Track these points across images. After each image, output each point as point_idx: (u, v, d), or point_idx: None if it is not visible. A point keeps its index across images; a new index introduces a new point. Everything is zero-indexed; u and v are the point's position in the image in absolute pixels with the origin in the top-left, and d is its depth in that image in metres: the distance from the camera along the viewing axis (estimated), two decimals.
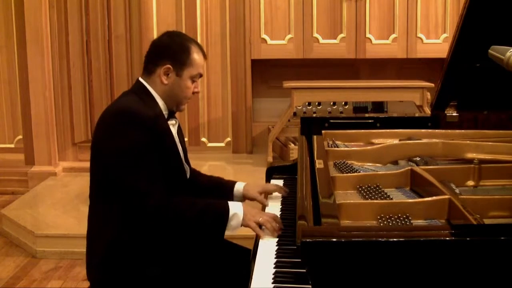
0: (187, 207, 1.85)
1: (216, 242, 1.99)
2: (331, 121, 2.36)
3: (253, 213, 1.86)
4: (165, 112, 1.97)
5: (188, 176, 2.07)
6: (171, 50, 1.94)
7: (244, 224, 1.84)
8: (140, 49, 4.80)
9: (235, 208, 1.85)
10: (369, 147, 2.06)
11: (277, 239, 1.72)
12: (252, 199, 2.14)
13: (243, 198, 2.15)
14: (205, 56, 2.02)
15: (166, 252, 1.89)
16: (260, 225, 1.80)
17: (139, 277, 1.85)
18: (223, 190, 2.16)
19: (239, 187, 2.16)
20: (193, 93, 1.99)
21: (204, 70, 2.05)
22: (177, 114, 2.06)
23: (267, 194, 2.18)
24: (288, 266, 1.51)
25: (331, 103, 5.05)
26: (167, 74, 1.94)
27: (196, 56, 1.96)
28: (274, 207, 2.04)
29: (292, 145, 4.58)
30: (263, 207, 2.11)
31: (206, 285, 1.93)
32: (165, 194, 1.85)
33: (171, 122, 1.99)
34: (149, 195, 1.80)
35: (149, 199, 1.80)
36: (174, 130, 2.01)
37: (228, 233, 1.86)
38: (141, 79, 1.98)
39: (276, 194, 2.18)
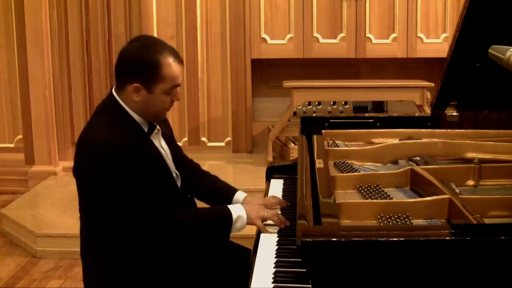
0: (190, 222, 1.84)
1: (220, 245, 1.99)
2: (331, 120, 2.36)
3: (256, 209, 1.86)
4: (144, 126, 1.87)
5: (179, 184, 2.00)
6: (139, 67, 1.78)
7: (249, 223, 1.84)
8: None
9: (237, 211, 1.85)
10: (369, 147, 2.06)
11: (278, 238, 1.73)
12: None
13: None
14: (181, 63, 1.84)
15: (165, 259, 1.88)
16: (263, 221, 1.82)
17: (140, 275, 1.85)
18: (223, 196, 2.09)
19: (239, 197, 2.07)
20: (172, 101, 1.87)
21: (182, 79, 1.89)
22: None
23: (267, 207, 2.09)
24: (288, 266, 1.51)
25: (331, 103, 5.05)
26: (138, 91, 1.80)
27: (168, 69, 1.78)
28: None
29: (292, 144, 4.58)
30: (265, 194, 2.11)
31: (206, 285, 1.93)
32: (164, 214, 1.81)
33: (154, 132, 1.90)
34: (150, 221, 1.77)
35: (151, 225, 1.78)
36: (158, 142, 1.93)
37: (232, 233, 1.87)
38: (114, 93, 1.86)
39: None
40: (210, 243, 1.92)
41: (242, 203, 2.01)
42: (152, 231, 1.79)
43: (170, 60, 1.80)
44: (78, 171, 1.86)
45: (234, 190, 2.10)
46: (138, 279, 1.84)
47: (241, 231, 1.86)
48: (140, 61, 1.79)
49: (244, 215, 1.83)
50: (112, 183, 1.75)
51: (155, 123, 1.92)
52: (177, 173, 2.01)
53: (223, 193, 2.10)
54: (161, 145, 1.96)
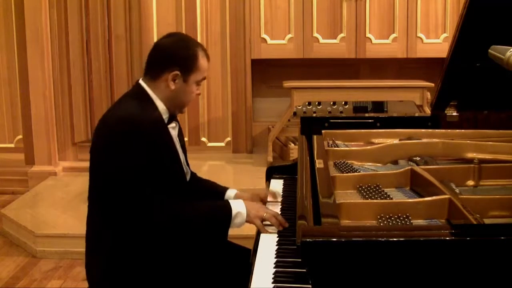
0: (191, 213, 1.86)
1: (218, 242, 2.00)
2: (331, 121, 2.36)
3: (256, 208, 1.87)
4: (165, 116, 1.94)
5: (188, 178, 2.07)
6: (180, 56, 1.92)
7: (248, 221, 1.85)
8: (140, 49, 4.80)
9: (238, 207, 1.86)
10: (369, 147, 2.06)
11: (277, 238, 1.73)
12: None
13: None
14: (209, 58, 1.99)
15: (166, 253, 1.89)
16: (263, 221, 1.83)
17: (140, 274, 1.85)
18: (215, 196, 2.13)
19: (230, 194, 2.13)
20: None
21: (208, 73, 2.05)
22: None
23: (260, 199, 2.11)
24: (288, 266, 1.51)
25: (331, 103, 5.05)
26: (174, 80, 1.91)
27: (202, 61, 1.94)
28: (274, 207, 2.03)
29: (292, 145, 4.58)
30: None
31: (206, 285, 1.93)
32: (168, 203, 1.84)
33: (171, 126, 1.97)
34: (153, 208, 1.80)
35: (154, 211, 1.80)
36: (174, 133, 1.99)
37: (231, 230, 1.87)
38: (142, 82, 1.95)
39: (277, 193, 2.17)
40: (209, 236, 1.92)
41: (234, 198, 2.08)
42: (153, 215, 1.81)
43: (203, 53, 1.96)
44: (96, 147, 1.89)
45: (224, 189, 2.16)
46: (140, 273, 1.85)
47: (240, 227, 1.87)
48: (182, 51, 1.93)
49: (244, 212, 1.85)
50: (128, 161, 1.79)
51: (175, 115, 1.99)
52: (187, 169, 2.06)
53: (216, 192, 2.16)
54: (177, 139, 2.01)
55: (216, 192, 2.16)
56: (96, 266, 1.92)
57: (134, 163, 1.79)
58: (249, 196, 2.10)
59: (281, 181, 2.32)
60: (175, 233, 1.85)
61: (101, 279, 1.90)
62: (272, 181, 2.35)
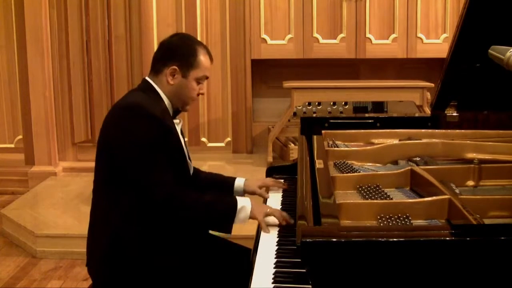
0: (196, 199, 1.89)
1: (223, 234, 2.01)
2: (331, 121, 2.36)
3: (261, 207, 1.90)
4: (170, 111, 2.01)
5: (191, 172, 2.10)
6: (179, 51, 1.99)
7: (252, 217, 1.87)
8: (140, 49, 4.80)
9: (243, 202, 1.89)
10: (369, 147, 2.06)
11: (278, 239, 1.73)
12: (252, 193, 2.18)
13: (243, 193, 2.19)
14: (211, 59, 2.05)
15: (168, 247, 1.89)
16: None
17: (140, 274, 1.85)
18: (223, 186, 2.20)
19: (239, 182, 2.20)
20: (198, 94, 2.03)
21: (211, 73, 2.08)
22: None
23: (267, 188, 2.21)
24: (288, 266, 1.51)
25: (331, 103, 5.05)
26: (173, 75, 1.98)
27: (203, 58, 2.00)
28: (274, 207, 2.03)
29: (292, 145, 4.58)
30: (264, 200, 2.14)
31: (206, 285, 1.93)
32: (175, 186, 1.88)
33: (175, 121, 2.03)
34: (160, 187, 1.84)
35: (160, 191, 1.83)
36: (178, 129, 2.04)
37: (235, 226, 1.89)
38: (147, 78, 2.02)
39: (275, 189, 2.19)
40: (213, 226, 1.95)
41: (243, 186, 2.17)
42: (162, 197, 1.83)
43: (205, 52, 2.02)
44: (105, 132, 1.94)
45: (233, 178, 2.22)
46: (141, 271, 1.86)
47: (244, 222, 1.88)
48: (181, 47, 2.01)
49: (248, 207, 1.87)
50: (138, 140, 1.85)
51: (179, 110, 2.06)
52: (191, 163, 2.10)
53: (224, 182, 2.22)
54: (181, 135, 2.06)
55: (223, 185, 2.20)
56: (98, 258, 1.93)
57: (143, 142, 1.84)
58: (256, 184, 2.18)
59: (281, 181, 2.32)
60: (179, 217, 1.87)
61: (103, 271, 1.91)
62: None
